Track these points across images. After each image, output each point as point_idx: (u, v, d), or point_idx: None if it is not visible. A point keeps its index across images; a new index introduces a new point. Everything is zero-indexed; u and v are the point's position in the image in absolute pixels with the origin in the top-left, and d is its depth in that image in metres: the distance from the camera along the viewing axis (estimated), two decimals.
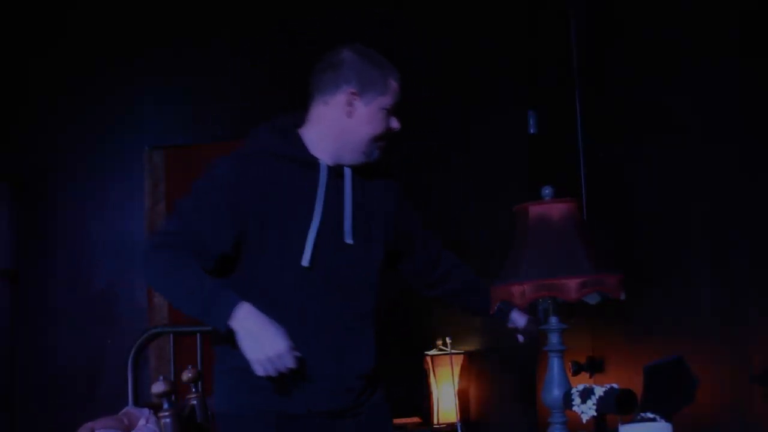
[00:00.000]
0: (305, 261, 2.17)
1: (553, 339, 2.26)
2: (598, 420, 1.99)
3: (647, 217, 2.51)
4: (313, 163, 2.24)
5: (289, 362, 2.07)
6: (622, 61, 2.70)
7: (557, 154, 3.21)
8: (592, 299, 2.25)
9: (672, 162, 2.31)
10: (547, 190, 2.31)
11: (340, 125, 2.23)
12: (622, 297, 2.20)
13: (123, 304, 4.51)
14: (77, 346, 4.50)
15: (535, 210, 2.28)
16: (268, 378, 2.12)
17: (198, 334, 4.28)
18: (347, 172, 2.27)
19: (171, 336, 4.33)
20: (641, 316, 2.52)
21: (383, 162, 2.34)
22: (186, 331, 4.32)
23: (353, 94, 2.22)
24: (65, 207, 4.61)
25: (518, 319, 2.48)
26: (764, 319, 1.83)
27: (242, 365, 2.13)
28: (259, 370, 2.07)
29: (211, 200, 2.22)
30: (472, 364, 4.03)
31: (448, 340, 3.95)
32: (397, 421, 3.95)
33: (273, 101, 4.42)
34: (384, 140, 2.27)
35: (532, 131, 3.97)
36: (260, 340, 2.05)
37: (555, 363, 2.26)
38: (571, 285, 2.12)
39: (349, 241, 2.23)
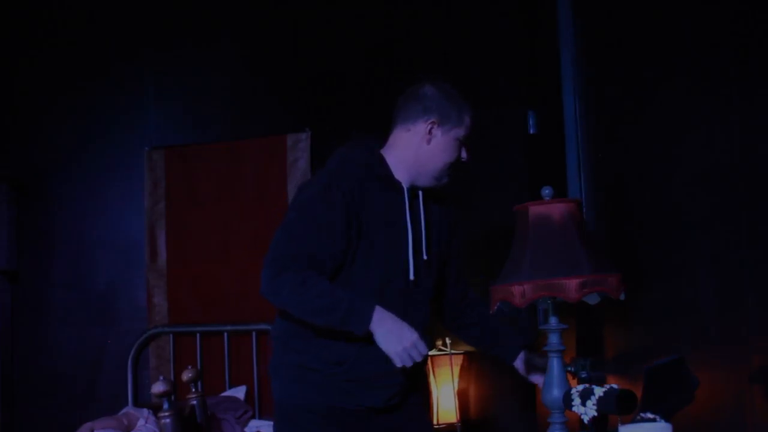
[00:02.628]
0: (411, 275, 2.43)
1: (553, 339, 2.27)
2: (599, 420, 1.99)
3: (647, 217, 2.51)
4: (396, 184, 2.46)
5: (423, 349, 2.28)
6: (622, 61, 2.70)
7: (557, 154, 3.21)
8: (592, 299, 2.25)
9: (672, 162, 2.31)
10: (547, 190, 2.32)
11: (419, 151, 2.47)
12: (622, 297, 2.20)
13: (123, 304, 4.50)
14: (77, 346, 4.50)
15: (535, 210, 2.28)
16: (325, 378, 2.38)
17: (198, 334, 4.28)
18: (420, 194, 2.49)
19: (171, 336, 4.33)
20: (641, 316, 2.52)
21: (444, 190, 2.57)
22: (186, 331, 4.32)
23: (434, 123, 2.45)
24: (65, 207, 4.61)
25: (531, 363, 2.59)
26: (764, 319, 1.83)
27: (300, 362, 2.42)
28: (398, 362, 2.27)
29: (325, 219, 2.36)
30: (471, 364, 4.03)
31: (447, 341, 3.95)
32: None
33: (273, 101, 4.43)
34: (454, 168, 2.51)
35: (532, 131, 3.97)
36: (398, 335, 2.27)
37: (555, 363, 2.26)
38: (571, 285, 2.12)
39: (425, 257, 2.47)
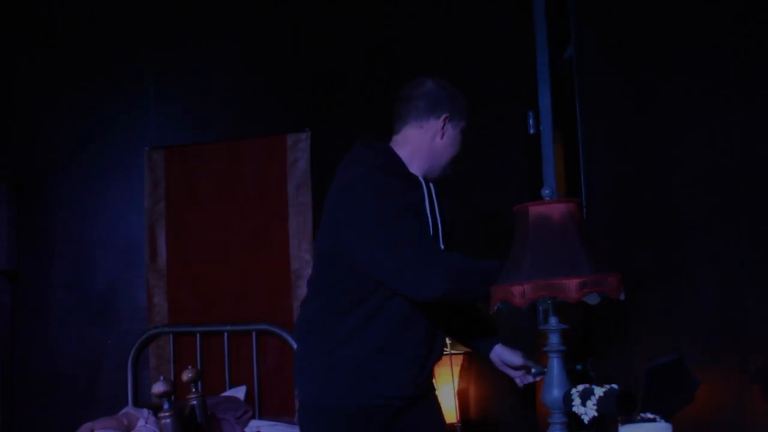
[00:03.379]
0: None
1: (553, 339, 2.26)
2: (599, 420, 1.99)
3: (647, 217, 2.51)
4: (414, 179, 2.51)
5: None
6: (622, 61, 2.70)
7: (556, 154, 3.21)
8: (592, 299, 2.25)
9: (672, 162, 2.31)
10: (547, 190, 2.31)
11: (432, 145, 2.54)
12: (622, 297, 2.20)
13: (123, 304, 4.50)
14: (77, 346, 4.50)
15: (535, 210, 2.28)
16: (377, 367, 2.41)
17: (198, 334, 4.28)
18: (433, 188, 2.55)
19: (171, 336, 4.33)
20: (641, 316, 2.52)
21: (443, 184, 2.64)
22: (186, 331, 4.32)
23: (446, 119, 2.53)
24: (65, 207, 4.61)
25: (505, 355, 2.63)
26: (764, 319, 1.84)
27: (366, 355, 2.42)
28: None
29: (402, 205, 2.40)
30: (471, 364, 4.02)
31: (447, 341, 3.95)
32: None
33: (273, 101, 4.43)
34: (456, 160, 2.60)
35: (532, 131, 3.96)
36: None
37: (555, 363, 2.26)
38: (571, 285, 2.12)
39: (442, 247, 2.51)
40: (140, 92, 4.57)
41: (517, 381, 2.62)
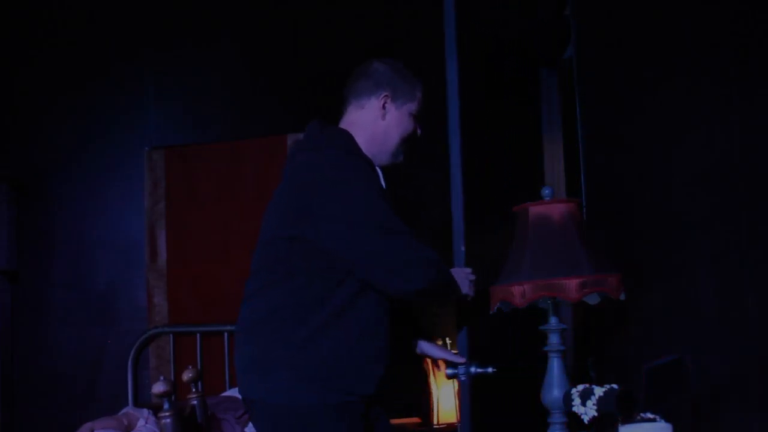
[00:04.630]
0: None
1: (553, 339, 2.27)
2: (599, 420, 1.99)
3: (647, 217, 2.51)
4: (372, 163, 2.44)
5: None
6: (622, 61, 2.70)
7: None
8: (592, 299, 2.25)
9: (672, 162, 2.31)
10: (547, 191, 2.31)
11: (374, 127, 2.48)
12: (622, 297, 2.20)
13: (123, 304, 4.50)
14: (77, 346, 4.50)
15: (535, 210, 2.28)
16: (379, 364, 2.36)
17: (198, 334, 4.28)
18: (379, 172, 2.49)
19: (171, 336, 4.33)
20: (641, 316, 2.52)
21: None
22: (186, 331, 4.32)
23: (387, 97, 2.48)
24: (65, 207, 4.61)
25: (424, 347, 2.68)
26: (764, 319, 1.83)
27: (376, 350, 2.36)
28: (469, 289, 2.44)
29: (378, 185, 2.37)
30: None
31: (447, 341, 3.95)
32: (397, 421, 3.95)
33: (273, 101, 4.42)
34: (408, 144, 2.52)
35: None
36: (460, 277, 2.45)
37: (555, 363, 2.26)
38: (571, 285, 2.12)
39: None
40: (140, 92, 4.57)
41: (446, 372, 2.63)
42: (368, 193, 2.30)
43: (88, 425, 3.48)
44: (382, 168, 2.50)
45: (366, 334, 2.33)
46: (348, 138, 2.43)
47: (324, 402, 2.29)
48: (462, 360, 2.56)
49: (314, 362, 2.30)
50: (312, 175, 2.33)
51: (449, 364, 2.58)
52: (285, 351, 2.33)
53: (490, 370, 2.54)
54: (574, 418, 2.12)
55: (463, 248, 2.61)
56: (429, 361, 4.12)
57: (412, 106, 2.51)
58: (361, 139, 2.44)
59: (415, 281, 2.27)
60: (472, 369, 2.54)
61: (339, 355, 2.30)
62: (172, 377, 4.05)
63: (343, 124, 2.50)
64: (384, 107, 2.47)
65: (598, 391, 1.99)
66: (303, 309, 2.32)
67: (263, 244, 2.45)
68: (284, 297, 2.35)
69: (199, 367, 4.12)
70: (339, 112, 2.53)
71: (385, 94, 2.47)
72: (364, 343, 2.32)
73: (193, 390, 3.36)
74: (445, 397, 3.96)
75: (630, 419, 1.83)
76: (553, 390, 2.24)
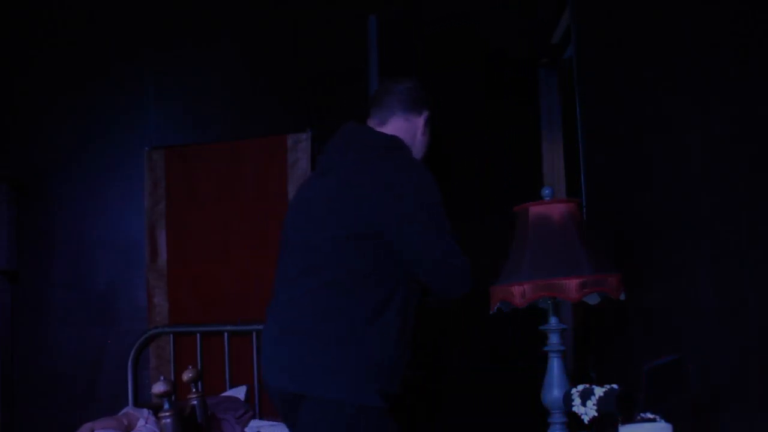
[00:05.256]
0: None
1: (553, 339, 2.27)
2: (599, 420, 1.99)
3: (647, 217, 2.51)
4: None
5: None
6: (622, 61, 2.70)
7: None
8: (592, 299, 2.25)
9: (672, 162, 2.31)
10: (547, 191, 2.31)
11: (415, 141, 2.66)
12: (622, 297, 2.20)
13: (123, 304, 4.50)
14: (77, 346, 4.50)
15: (535, 210, 2.28)
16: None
17: (198, 334, 4.28)
18: None
19: (171, 336, 4.33)
20: (641, 316, 2.52)
21: None
22: (186, 331, 4.32)
23: (428, 117, 2.69)
24: (65, 207, 4.61)
25: None
26: (764, 319, 1.83)
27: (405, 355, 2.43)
28: None
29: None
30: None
31: None
32: None
33: (273, 101, 4.42)
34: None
35: None
36: None
37: (555, 363, 2.26)
38: (571, 285, 2.12)
39: None
40: (140, 92, 4.57)
41: None
42: (440, 199, 2.43)
43: (88, 425, 3.49)
44: None
45: (409, 338, 2.44)
46: (406, 144, 2.59)
47: (378, 400, 2.34)
48: None
49: (374, 362, 2.34)
50: (387, 175, 2.40)
51: None
52: (349, 349, 2.34)
53: None
54: (574, 418, 2.12)
55: None
56: None
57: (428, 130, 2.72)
58: None
59: (466, 286, 2.40)
60: None
61: (392, 356, 2.37)
62: (172, 377, 4.05)
63: (387, 130, 2.62)
64: (425, 125, 2.67)
65: (598, 391, 1.99)
66: (369, 309, 2.36)
67: (309, 245, 2.47)
68: (349, 297, 2.38)
69: (199, 367, 4.12)
70: (360, 113, 2.66)
71: (428, 114, 2.67)
72: (407, 347, 2.44)
73: (193, 390, 3.37)
74: None
75: (630, 419, 1.83)
76: (553, 390, 2.24)
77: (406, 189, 2.38)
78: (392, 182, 2.38)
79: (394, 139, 2.55)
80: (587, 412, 1.99)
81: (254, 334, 4.17)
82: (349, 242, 2.37)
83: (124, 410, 3.82)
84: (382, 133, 2.57)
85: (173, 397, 2.96)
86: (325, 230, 2.43)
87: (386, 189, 2.37)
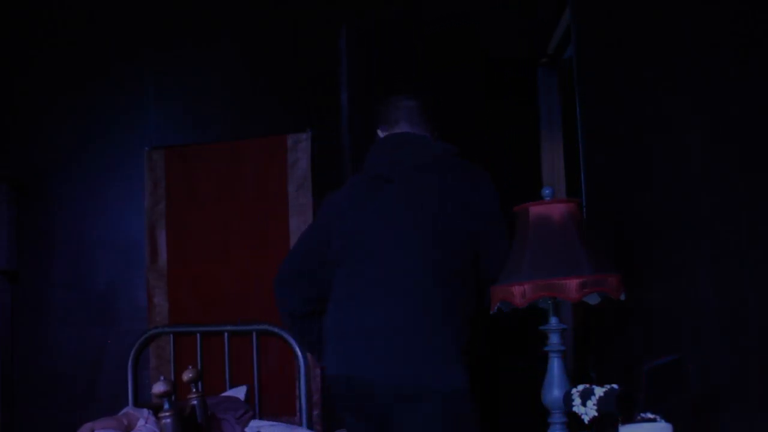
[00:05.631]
0: None
1: (554, 339, 2.26)
2: (599, 420, 1.99)
3: (647, 217, 2.51)
4: None
5: None
6: (622, 61, 2.70)
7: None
8: (592, 299, 2.25)
9: (672, 162, 2.31)
10: (547, 190, 2.31)
11: None
12: (622, 297, 2.20)
13: (123, 304, 4.51)
14: (77, 346, 4.50)
15: (535, 210, 2.28)
16: None
17: (198, 334, 4.28)
18: None
19: (171, 336, 4.33)
20: (641, 316, 2.52)
21: None
22: (186, 331, 4.32)
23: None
24: (65, 207, 4.61)
25: None
26: (764, 319, 1.83)
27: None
28: None
29: None
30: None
31: None
32: None
33: (273, 101, 4.43)
34: None
35: None
36: None
37: (555, 363, 2.26)
38: (572, 285, 2.12)
39: None
40: (140, 92, 4.57)
41: None
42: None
43: (88, 425, 3.49)
44: None
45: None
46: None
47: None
48: None
49: (466, 352, 2.51)
50: (477, 178, 2.61)
51: None
52: (459, 345, 2.50)
53: None
54: (574, 418, 2.12)
55: None
56: None
57: None
58: None
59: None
60: None
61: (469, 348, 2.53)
62: (172, 377, 4.05)
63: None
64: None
65: (599, 391, 1.99)
66: (469, 306, 2.55)
67: (399, 247, 2.54)
68: (454, 293, 2.52)
69: (199, 367, 4.12)
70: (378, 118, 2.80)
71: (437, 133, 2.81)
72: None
73: (193, 390, 3.36)
74: None
75: (630, 419, 1.83)
76: (553, 390, 2.24)
77: (490, 193, 2.59)
78: (478, 184, 2.60)
79: (454, 149, 2.69)
80: (587, 412, 1.99)
81: (254, 334, 4.17)
82: (461, 236, 2.54)
83: (124, 410, 3.82)
84: (444, 143, 2.71)
85: (173, 397, 2.96)
86: (415, 232, 2.54)
87: (477, 190, 2.59)
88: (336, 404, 2.65)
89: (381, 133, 2.80)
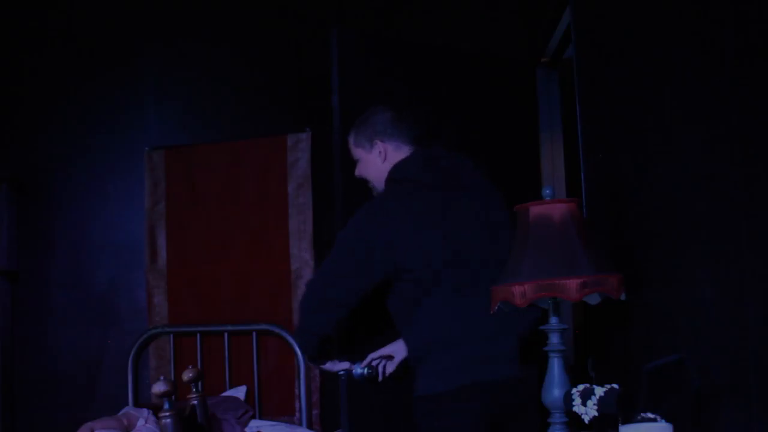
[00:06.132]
0: None
1: (554, 339, 2.26)
2: (599, 420, 1.99)
3: (647, 217, 2.51)
4: None
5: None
6: (622, 61, 2.70)
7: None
8: (593, 299, 2.25)
9: (672, 162, 2.31)
10: (547, 190, 2.31)
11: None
12: (622, 297, 2.20)
13: (123, 304, 4.51)
14: (77, 346, 4.50)
15: (535, 210, 2.28)
16: None
17: (198, 335, 4.28)
18: None
19: (171, 336, 4.33)
20: (641, 316, 2.52)
21: None
22: (186, 331, 4.32)
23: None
24: (65, 207, 4.61)
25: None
26: (764, 319, 1.83)
27: None
28: None
29: None
30: None
31: None
32: None
33: (272, 102, 4.43)
34: None
35: None
36: None
37: (555, 363, 2.26)
38: (572, 285, 2.12)
39: None
40: (140, 92, 4.57)
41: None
42: None
43: (88, 425, 3.48)
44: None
45: None
46: None
47: None
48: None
49: None
50: (494, 197, 2.90)
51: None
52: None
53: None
54: (574, 418, 2.12)
55: None
56: None
57: None
58: None
59: None
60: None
61: None
62: (172, 377, 4.05)
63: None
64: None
65: (599, 391, 1.99)
66: None
67: (493, 258, 2.70)
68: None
69: (199, 367, 4.12)
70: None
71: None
72: None
73: (193, 390, 3.36)
74: None
75: (630, 419, 1.83)
76: (553, 390, 2.24)
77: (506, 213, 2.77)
78: (501, 201, 2.88)
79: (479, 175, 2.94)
80: (587, 412, 1.99)
81: (254, 334, 4.17)
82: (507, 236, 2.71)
83: (124, 410, 3.81)
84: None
85: (173, 397, 2.96)
86: (499, 242, 2.76)
87: (504, 209, 2.83)
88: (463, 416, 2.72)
89: (398, 148, 2.91)
